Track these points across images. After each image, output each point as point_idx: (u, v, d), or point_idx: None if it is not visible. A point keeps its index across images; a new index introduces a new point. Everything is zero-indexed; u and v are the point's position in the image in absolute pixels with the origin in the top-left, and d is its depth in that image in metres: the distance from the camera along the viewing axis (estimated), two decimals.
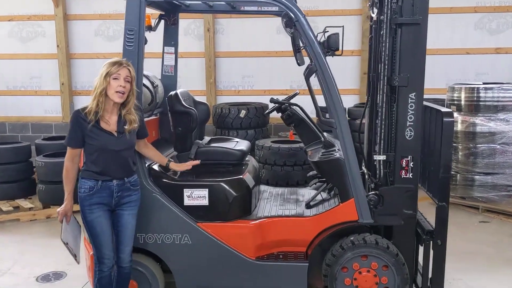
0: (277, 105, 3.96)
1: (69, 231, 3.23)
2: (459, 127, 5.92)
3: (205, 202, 3.41)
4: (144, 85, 3.72)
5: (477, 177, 5.91)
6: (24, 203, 6.08)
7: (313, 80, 3.43)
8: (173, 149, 3.89)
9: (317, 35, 3.38)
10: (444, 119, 3.25)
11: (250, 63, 7.97)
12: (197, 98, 4.23)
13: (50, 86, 8.36)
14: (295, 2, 3.37)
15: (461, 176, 6.00)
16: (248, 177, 3.63)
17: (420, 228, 3.51)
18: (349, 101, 7.34)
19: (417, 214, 3.46)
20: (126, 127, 3.06)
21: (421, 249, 3.53)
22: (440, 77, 7.46)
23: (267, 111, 4.26)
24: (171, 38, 4.28)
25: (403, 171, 3.34)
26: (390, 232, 3.48)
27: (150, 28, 3.93)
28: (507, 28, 7.48)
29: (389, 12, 3.21)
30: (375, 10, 3.40)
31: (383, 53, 3.27)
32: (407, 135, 3.31)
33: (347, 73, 7.70)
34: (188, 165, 3.47)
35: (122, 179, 3.11)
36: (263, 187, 4.37)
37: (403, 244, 3.41)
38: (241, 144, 3.97)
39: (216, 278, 3.48)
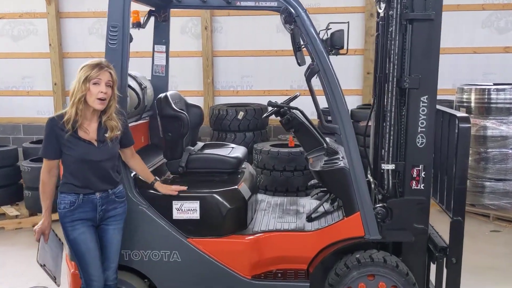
0: (275, 108, 3.68)
1: (47, 250, 2.94)
2: None
3: (196, 215, 3.15)
4: (130, 86, 3.44)
5: (487, 183, 5.72)
6: (10, 210, 5.85)
7: (315, 80, 3.18)
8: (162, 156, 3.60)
9: (319, 32, 3.12)
10: (460, 125, 2.96)
11: (249, 63, 7.73)
12: (195, 99, 3.97)
13: (42, 86, 8.11)
14: None
15: (471, 182, 5.76)
16: (243, 188, 3.35)
17: (432, 244, 3.23)
18: (351, 102, 7.09)
19: (428, 229, 3.18)
20: (107, 135, 2.77)
21: (433, 267, 3.26)
22: (446, 77, 7.12)
23: (265, 115, 4.00)
24: (161, 36, 3.97)
25: (414, 182, 3.08)
26: (399, 248, 3.21)
27: (139, 25, 3.67)
28: None
29: (399, 6, 2.94)
30: (383, 5, 3.14)
31: (392, 52, 2.99)
32: (418, 143, 3.04)
33: (350, 73, 7.45)
34: (173, 190, 3.15)
35: (106, 191, 2.84)
36: (260, 196, 4.09)
37: (414, 262, 3.15)
38: (237, 151, 3.68)
39: None
